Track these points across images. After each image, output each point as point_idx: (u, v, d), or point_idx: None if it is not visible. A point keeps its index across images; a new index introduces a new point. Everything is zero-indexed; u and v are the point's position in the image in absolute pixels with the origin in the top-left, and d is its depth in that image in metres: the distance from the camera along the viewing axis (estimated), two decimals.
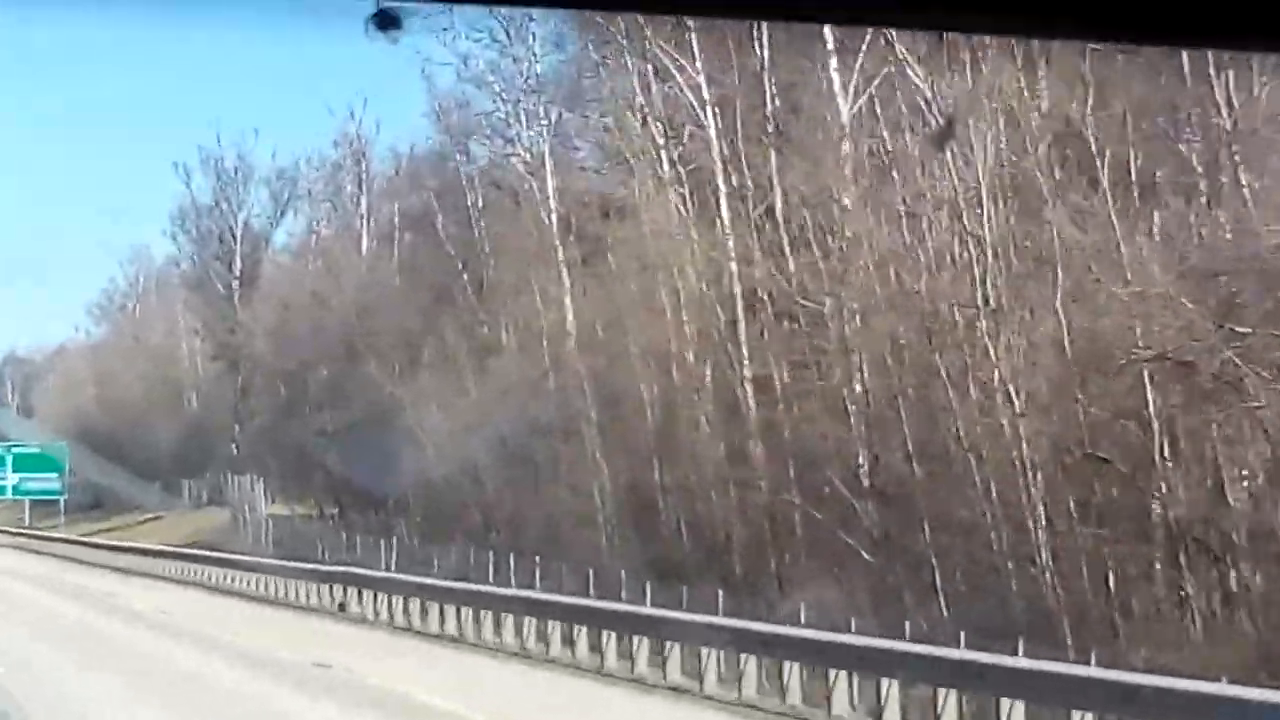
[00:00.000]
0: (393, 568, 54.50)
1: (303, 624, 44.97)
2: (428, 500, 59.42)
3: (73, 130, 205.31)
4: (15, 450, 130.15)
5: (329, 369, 73.72)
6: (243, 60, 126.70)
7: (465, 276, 61.37)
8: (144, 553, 73.63)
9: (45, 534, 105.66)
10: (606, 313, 49.30)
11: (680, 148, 49.62)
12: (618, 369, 45.56)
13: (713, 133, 47.56)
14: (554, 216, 57.01)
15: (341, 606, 45.78)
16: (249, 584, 58.17)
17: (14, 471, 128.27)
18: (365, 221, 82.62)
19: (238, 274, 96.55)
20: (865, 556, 37.33)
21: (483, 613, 39.63)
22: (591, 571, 39.61)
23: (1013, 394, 34.89)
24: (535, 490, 48.48)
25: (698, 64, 47.27)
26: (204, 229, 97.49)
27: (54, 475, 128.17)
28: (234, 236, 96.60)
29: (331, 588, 49.31)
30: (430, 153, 67.57)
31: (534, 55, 57.38)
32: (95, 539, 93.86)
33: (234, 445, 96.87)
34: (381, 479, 67.98)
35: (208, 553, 64.96)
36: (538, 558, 43.13)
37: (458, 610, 40.77)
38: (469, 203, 64.06)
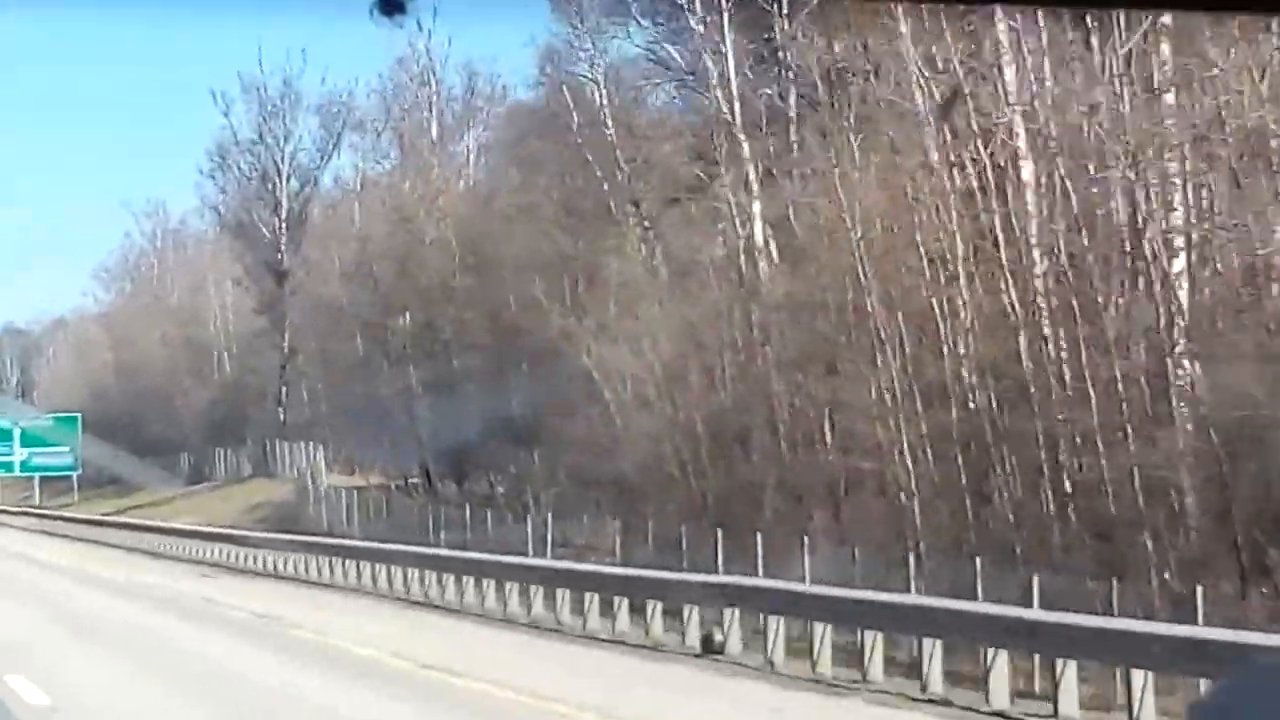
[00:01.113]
0: (547, 553, 42.40)
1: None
2: (572, 466, 47.28)
3: (81, 68, 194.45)
4: (23, 422, 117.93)
5: (417, 316, 61.57)
6: None
7: (611, 191, 49.03)
8: (195, 535, 61.08)
9: (59, 513, 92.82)
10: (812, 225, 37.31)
11: None
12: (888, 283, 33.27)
13: None
14: (736, 105, 44.94)
15: (707, 642, 27.32)
16: (407, 584, 40.32)
17: (23, 446, 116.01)
18: (438, 146, 70.41)
19: (283, 216, 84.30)
20: None
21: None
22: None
23: None
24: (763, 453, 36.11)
25: None
26: (245, 166, 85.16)
27: (66, 449, 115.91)
28: (279, 173, 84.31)
29: (630, 600, 30.53)
30: (544, 47, 55.02)
31: None
32: (122, 517, 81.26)
33: (280, 409, 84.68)
34: (498, 441, 55.95)
35: (308, 538, 52.05)
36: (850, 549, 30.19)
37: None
38: (601, 101, 51.88)
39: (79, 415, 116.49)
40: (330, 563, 45.41)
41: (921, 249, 32.02)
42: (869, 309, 31.84)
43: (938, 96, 33.94)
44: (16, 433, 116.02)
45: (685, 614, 28.16)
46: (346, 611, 35.14)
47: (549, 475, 51.07)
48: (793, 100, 44.25)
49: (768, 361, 35.79)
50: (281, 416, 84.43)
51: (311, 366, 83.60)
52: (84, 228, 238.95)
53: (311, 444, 74.16)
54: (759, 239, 42.41)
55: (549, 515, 47.13)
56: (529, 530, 47.46)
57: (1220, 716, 4.97)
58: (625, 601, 30.04)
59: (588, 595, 30.83)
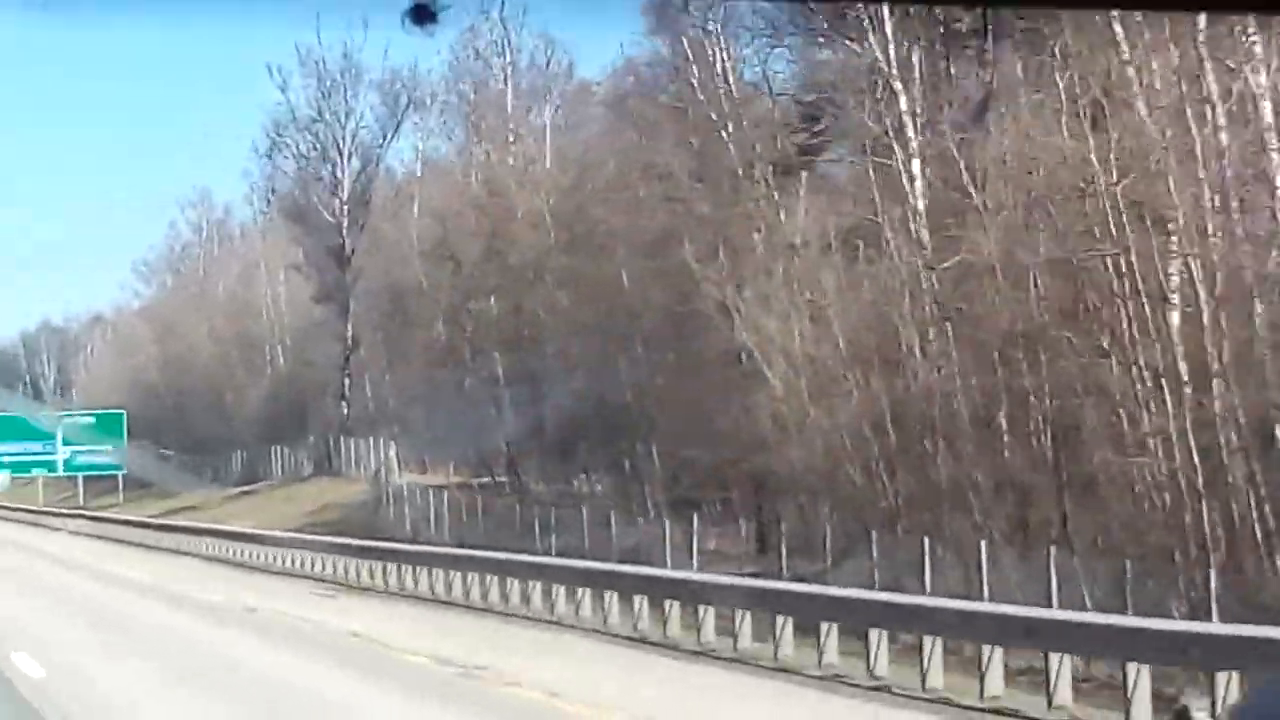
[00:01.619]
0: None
1: None
2: (696, 461, 41.60)
3: (115, 64, 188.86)
4: (66, 420, 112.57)
5: (505, 298, 55.90)
6: None
7: (738, 152, 43.18)
8: (279, 543, 54.52)
9: (106, 515, 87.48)
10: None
11: None
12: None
13: None
14: (892, 52, 39.24)
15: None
16: (577, 609, 33.16)
17: (65, 444, 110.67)
18: (515, 117, 64.77)
19: (345, 197, 78.68)
20: None
21: None
22: None
23: None
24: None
25: None
26: (304, 146, 79.53)
27: (110, 448, 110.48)
28: (340, 152, 78.67)
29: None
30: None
31: None
32: (179, 520, 75.80)
33: (343, 404, 79.09)
34: (598, 435, 50.35)
35: (423, 548, 45.20)
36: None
37: None
38: (722, 56, 46.09)
39: (123, 413, 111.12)
40: (449, 577, 39.19)
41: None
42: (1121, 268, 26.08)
43: None
44: (59, 431, 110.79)
45: (925, 649, 22.35)
46: (557, 653, 27.90)
47: (666, 471, 45.46)
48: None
49: (971, 338, 29.96)
50: (344, 411, 78.84)
51: (376, 357, 78.00)
52: (121, 224, 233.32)
53: (381, 440, 68.57)
54: (934, 198, 36.73)
55: (666, 518, 41.54)
56: (639, 533, 41.94)
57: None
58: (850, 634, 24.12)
59: (823, 626, 24.48)
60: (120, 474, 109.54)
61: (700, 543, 40.00)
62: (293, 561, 50.55)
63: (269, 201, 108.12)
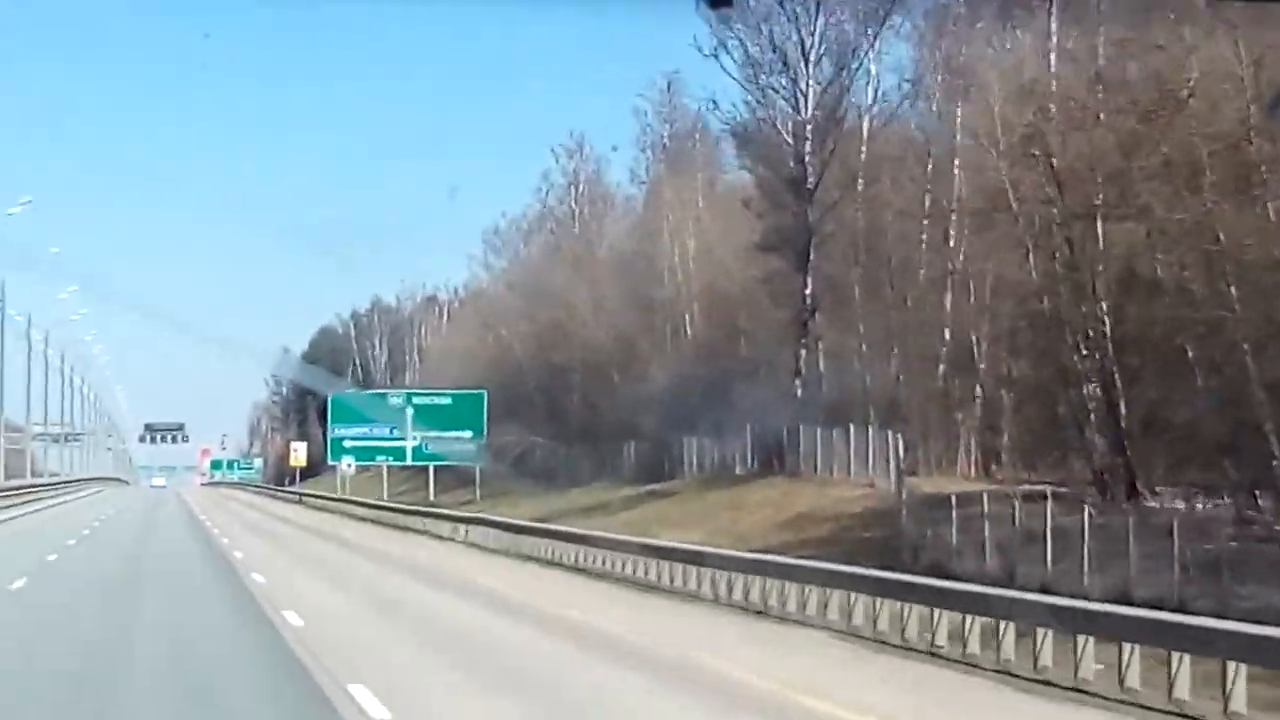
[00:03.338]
0: None
1: None
2: None
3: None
4: (417, 399, 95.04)
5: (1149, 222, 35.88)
6: None
7: None
8: (755, 569, 34.36)
9: (515, 520, 68.45)
10: None
11: None
12: None
13: None
14: None
15: None
16: None
17: (416, 429, 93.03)
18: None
19: (809, 112, 59.39)
20: None
21: None
22: None
23: None
24: None
25: None
26: (756, 49, 60.07)
27: (468, 434, 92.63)
28: (804, 55, 59.27)
29: None
30: None
31: None
32: (570, 527, 55.80)
33: (796, 383, 59.76)
34: None
35: None
36: None
37: None
38: None
39: (484, 393, 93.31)
40: (1124, 654, 19.71)
41: None
42: None
43: None
44: (409, 413, 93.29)
45: None
46: None
47: None
48: None
49: None
50: (798, 392, 59.52)
51: (846, 319, 58.72)
52: (458, 206, 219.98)
53: (892, 433, 49.01)
54: None
55: None
56: None
57: None
58: None
59: None
60: (478, 466, 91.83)
61: None
62: (780, 597, 31.06)
63: (664, 143, 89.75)
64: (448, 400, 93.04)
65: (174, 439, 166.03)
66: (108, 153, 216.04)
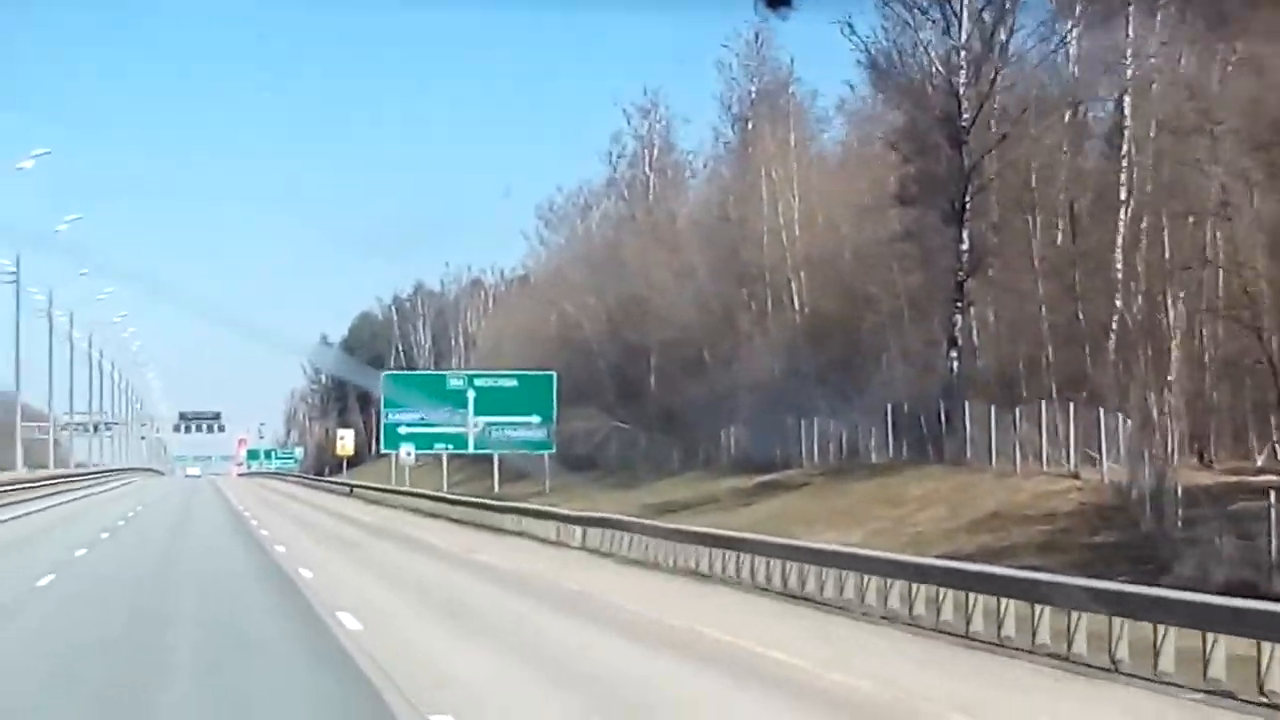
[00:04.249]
0: None
1: None
2: None
3: None
4: (479, 381, 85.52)
5: None
6: None
7: None
8: (952, 580, 24.77)
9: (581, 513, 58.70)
10: None
11: None
12: None
13: None
14: None
15: None
16: None
17: (477, 414, 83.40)
18: None
19: (962, 36, 49.72)
20: None
21: None
22: None
23: None
24: None
25: None
26: None
27: (536, 419, 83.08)
28: None
29: None
30: None
31: None
32: (693, 525, 45.65)
33: (951, 356, 50.09)
34: None
35: None
36: None
37: None
38: None
39: (553, 374, 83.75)
40: None
41: None
42: None
43: None
44: (471, 396, 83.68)
45: None
46: None
47: None
48: None
49: None
50: (953, 366, 49.87)
51: (1005, 280, 49.03)
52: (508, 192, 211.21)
53: (1122, 415, 39.32)
54: None
55: None
56: None
57: None
58: None
59: None
60: (547, 455, 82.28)
61: None
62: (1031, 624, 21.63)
63: (750, 99, 79.93)
64: (514, 382, 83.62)
65: (210, 428, 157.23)
66: (158, 149, 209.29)
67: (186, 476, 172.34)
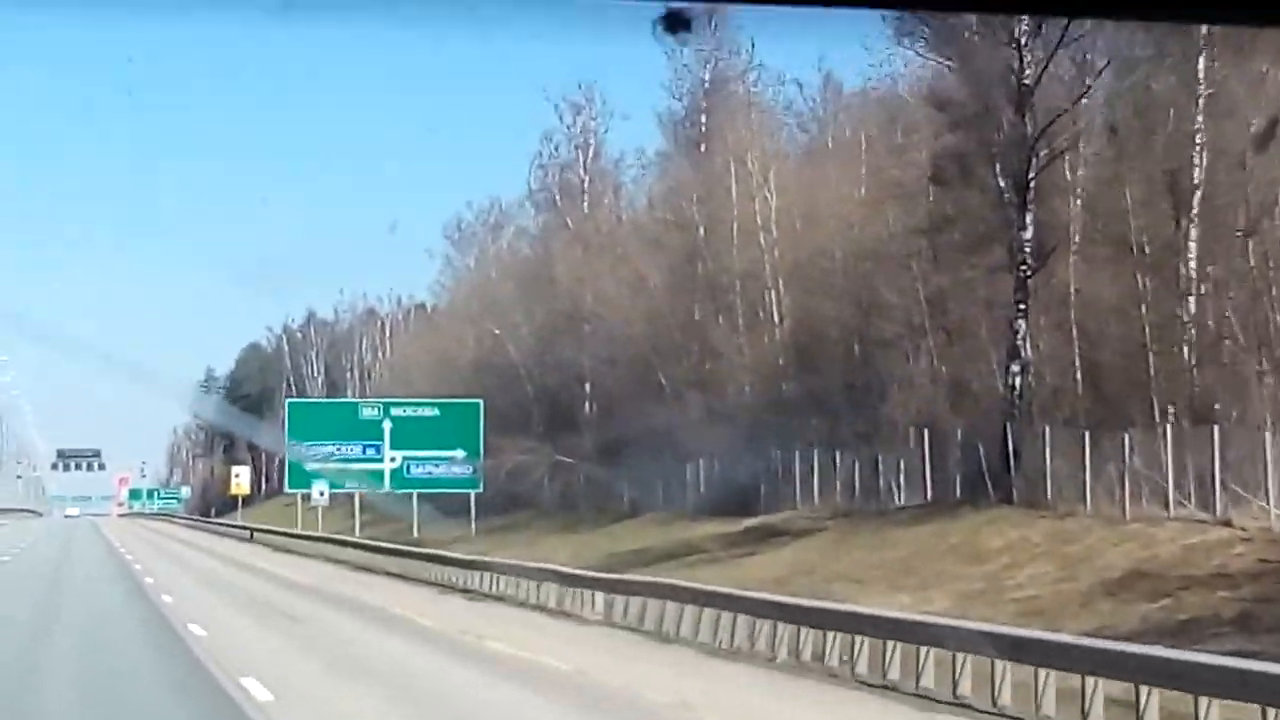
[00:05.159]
0: None
1: None
2: None
3: None
4: (396, 411, 75.10)
5: None
6: None
7: None
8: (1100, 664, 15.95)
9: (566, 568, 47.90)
10: None
11: None
12: None
13: None
14: None
15: None
16: None
17: (394, 448, 72.99)
18: None
19: None
20: None
21: None
22: None
23: None
24: None
25: None
26: None
27: (461, 453, 72.77)
28: None
29: None
30: None
31: None
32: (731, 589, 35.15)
33: (1012, 373, 40.09)
34: None
35: None
36: None
37: None
38: None
39: (479, 402, 73.46)
40: None
41: None
42: None
43: None
44: (387, 427, 73.23)
45: None
46: None
47: None
48: None
49: None
50: (1015, 386, 39.87)
51: (1082, 275, 39.21)
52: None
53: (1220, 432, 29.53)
54: None
55: None
56: None
57: None
58: None
59: None
60: (473, 493, 71.99)
61: None
62: None
63: (705, 85, 69.84)
64: (435, 411, 73.33)
65: (90, 466, 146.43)
66: (20, 179, 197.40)
67: (65, 517, 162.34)
